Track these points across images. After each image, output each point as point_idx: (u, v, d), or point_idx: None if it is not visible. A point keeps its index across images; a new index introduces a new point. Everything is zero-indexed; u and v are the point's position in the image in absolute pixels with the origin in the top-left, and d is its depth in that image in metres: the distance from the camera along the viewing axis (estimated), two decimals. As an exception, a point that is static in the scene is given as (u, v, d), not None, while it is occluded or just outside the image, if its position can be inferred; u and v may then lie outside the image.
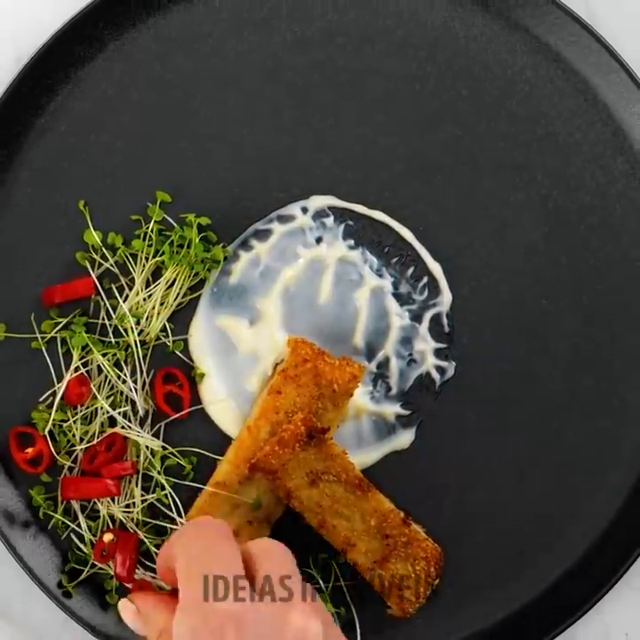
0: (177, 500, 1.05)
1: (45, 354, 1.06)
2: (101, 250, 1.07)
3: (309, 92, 1.09)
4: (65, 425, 1.05)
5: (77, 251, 1.07)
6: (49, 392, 1.06)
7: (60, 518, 1.05)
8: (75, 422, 1.05)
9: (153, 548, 1.05)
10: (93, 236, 1.07)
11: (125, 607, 0.92)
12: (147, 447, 1.05)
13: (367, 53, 1.09)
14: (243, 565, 0.83)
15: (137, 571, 1.04)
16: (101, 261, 1.07)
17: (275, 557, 0.85)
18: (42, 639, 1.09)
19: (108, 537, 1.03)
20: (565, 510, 1.08)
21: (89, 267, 1.07)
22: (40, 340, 1.06)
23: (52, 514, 1.06)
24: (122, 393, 1.06)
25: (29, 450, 1.05)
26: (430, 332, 1.09)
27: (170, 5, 1.09)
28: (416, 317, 1.09)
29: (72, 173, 1.08)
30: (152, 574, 1.05)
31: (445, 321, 1.09)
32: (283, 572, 0.83)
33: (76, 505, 1.06)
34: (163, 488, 1.05)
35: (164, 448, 1.06)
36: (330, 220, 1.09)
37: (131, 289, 1.07)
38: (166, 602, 0.89)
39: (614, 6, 1.12)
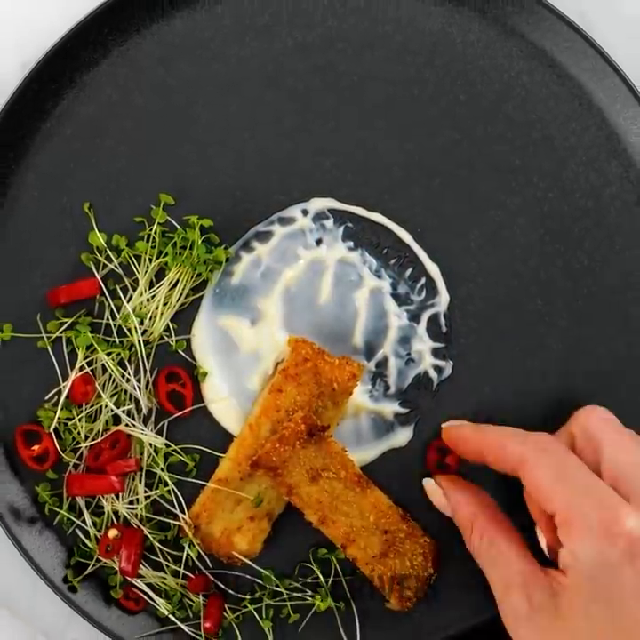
0: (180, 496, 1.06)
1: (51, 353, 1.07)
2: (106, 251, 1.08)
3: (310, 97, 1.10)
4: (70, 423, 1.06)
5: (82, 252, 1.08)
6: (54, 391, 1.07)
7: (66, 514, 1.06)
8: (79, 420, 1.06)
9: (157, 544, 1.06)
10: (98, 238, 1.07)
11: (433, 490, 1.03)
12: (150, 444, 1.06)
13: (367, 59, 1.10)
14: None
15: (141, 566, 1.06)
16: (106, 262, 1.08)
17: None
18: (47, 633, 1.10)
19: (112, 533, 1.04)
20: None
21: (94, 268, 1.08)
22: (46, 339, 1.07)
23: (57, 510, 1.07)
24: (126, 391, 1.07)
25: (35, 447, 1.06)
26: (428, 332, 1.10)
27: (173, 12, 1.10)
28: (414, 317, 1.10)
29: (77, 176, 1.09)
30: (154, 571, 1.07)
31: (443, 321, 1.10)
32: None
33: (81, 501, 1.07)
34: (166, 484, 1.06)
35: (167, 445, 1.07)
36: (330, 222, 1.10)
37: (134, 289, 1.08)
38: (472, 490, 1.02)
39: (606, 10, 1.13)
